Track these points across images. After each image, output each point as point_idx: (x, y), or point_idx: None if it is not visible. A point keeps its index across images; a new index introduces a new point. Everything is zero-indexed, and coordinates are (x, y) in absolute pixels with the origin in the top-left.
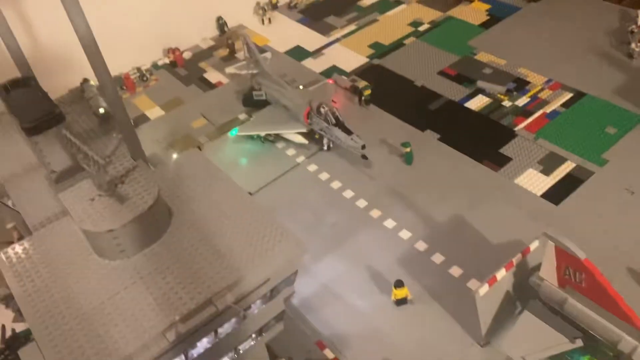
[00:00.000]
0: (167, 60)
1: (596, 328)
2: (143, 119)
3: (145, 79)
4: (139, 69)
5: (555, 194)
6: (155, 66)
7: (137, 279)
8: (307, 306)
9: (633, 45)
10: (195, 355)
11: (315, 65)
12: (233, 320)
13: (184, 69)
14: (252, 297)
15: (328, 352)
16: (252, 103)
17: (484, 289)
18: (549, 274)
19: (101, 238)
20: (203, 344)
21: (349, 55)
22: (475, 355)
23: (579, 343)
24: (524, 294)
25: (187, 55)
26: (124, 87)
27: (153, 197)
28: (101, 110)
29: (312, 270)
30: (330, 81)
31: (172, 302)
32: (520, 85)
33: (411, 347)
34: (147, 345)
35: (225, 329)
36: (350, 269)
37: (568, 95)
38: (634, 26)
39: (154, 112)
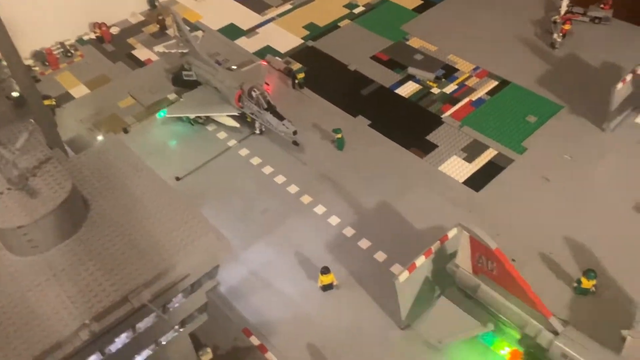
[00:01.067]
0: (93, 36)
1: (505, 313)
2: (66, 97)
3: (69, 54)
4: (62, 44)
5: (477, 181)
6: (80, 41)
7: (51, 276)
8: (235, 294)
9: (555, 35)
10: (113, 350)
11: (249, 44)
12: (152, 315)
13: (112, 44)
14: (172, 292)
15: (254, 339)
16: (182, 83)
17: (404, 275)
18: (464, 262)
19: (11, 234)
20: (121, 339)
21: (283, 36)
22: (396, 337)
23: (490, 327)
24: (442, 279)
25: (114, 30)
26: (47, 63)
27: (66, 191)
28: (14, 94)
29: (241, 257)
30: (264, 62)
31: (87, 300)
32: (449, 72)
33: (335, 332)
34: (60, 344)
35: (144, 324)
36: (279, 255)
37: (493, 83)
38: (557, 17)
39: (79, 90)
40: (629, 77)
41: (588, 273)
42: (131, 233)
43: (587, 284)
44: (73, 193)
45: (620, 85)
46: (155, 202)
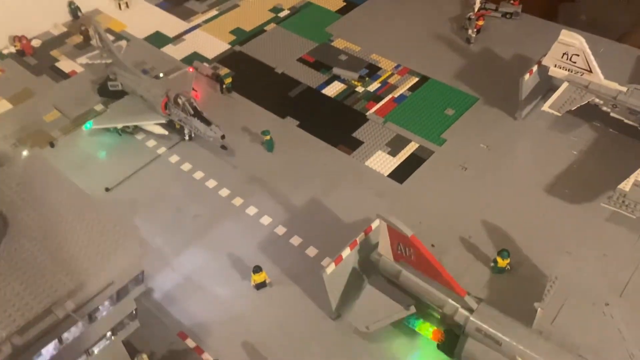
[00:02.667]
0: (13, 49)
1: (425, 295)
2: None
3: None
4: None
5: (400, 173)
6: None
7: None
8: (169, 299)
9: (470, 31)
10: None
11: (176, 51)
12: (79, 325)
13: (34, 57)
14: (97, 300)
15: (190, 342)
16: (109, 93)
17: (331, 267)
18: (385, 250)
19: None
20: (48, 351)
21: (210, 42)
22: (328, 328)
23: (413, 310)
24: (368, 269)
25: (36, 43)
26: None
27: None
28: None
29: (174, 263)
30: (191, 69)
31: (9, 314)
32: (373, 71)
33: (269, 328)
34: None
35: (71, 334)
36: (212, 258)
37: (414, 80)
38: (471, 13)
39: (1, 106)
40: (535, 68)
41: (502, 253)
42: (52, 246)
43: (502, 263)
44: None
45: (527, 76)
46: (75, 214)
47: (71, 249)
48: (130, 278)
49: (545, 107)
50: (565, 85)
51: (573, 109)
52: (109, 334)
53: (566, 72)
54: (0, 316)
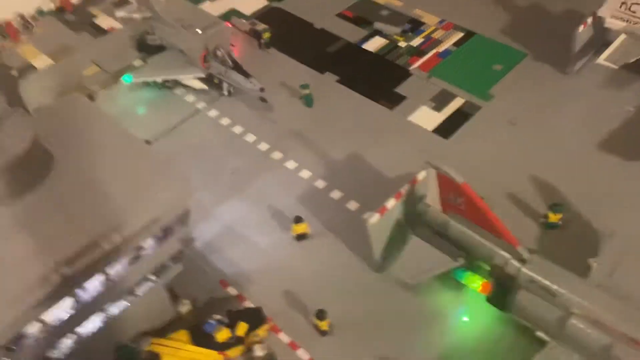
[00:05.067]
0: (53, 6)
1: (475, 246)
2: (29, 69)
3: (29, 26)
4: (22, 16)
5: (446, 129)
6: (40, 12)
7: (17, 225)
8: (210, 248)
9: None
10: (87, 297)
11: (213, 8)
12: (124, 261)
13: (73, 14)
14: (141, 237)
15: (231, 290)
16: (147, 48)
17: (375, 217)
18: (433, 200)
19: None
20: (94, 286)
21: None
22: (370, 280)
23: (461, 261)
24: (413, 223)
25: (75, 0)
26: (6, 35)
27: (28, 142)
28: None
29: (215, 214)
30: (228, 24)
31: (56, 246)
32: (415, 26)
33: (311, 278)
34: (31, 288)
35: (117, 270)
36: (252, 210)
37: (459, 35)
38: None
39: (42, 62)
40: (589, 20)
41: (554, 207)
42: (97, 182)
43: (554, 217)
44: (35, 144)
45: (581, 28)
46: (118, 151)
47: (117, 185)
48: (177, 215)
49: (601, 59)
50: (622, 37)
51: (630, 61)
52: (152, 276)
53: (624, 23)
54: (47, 248)
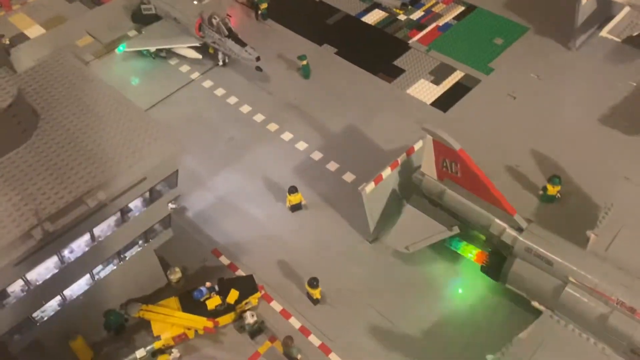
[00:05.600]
0: None
1: (471, 215)
2: (21, 38)
3: None
4: None
5: (444, 102)
6: None
7: (1, 181)
8: (203, 218)
9: None
10: (72, 258)
11: None
12: (111, 221)
13: None
14: (128, 196)
15: (224, 259)
16: (142, 18)
17: (370, 186)
18: (429, 169)
19: None
20: (80, 246)
21: None
22: (364, 250)
23: (456, 230)
24: (409, 193)
25: None
26: None
27: (11, 96)
28: None
29: (208, 184)
30: None
31: (40, 202)
32: None
33: (305, 248)
34: (14, 244)
35: (103, 230)
36: (247, 180)
37: (460, 9)
38: None
39: (34, 31)
40: None
41: (553, 179)
42: (83, 140)
43: (552, 190)
44: (19, 99)
45: (584, 1)
46: (106, 109)
47: (104, 143)
48: (164, 176)
49: (604, 32)
50: (626, 9)
51: (634, 35)
52: (141, 240)
53: None
54: (30, 204)
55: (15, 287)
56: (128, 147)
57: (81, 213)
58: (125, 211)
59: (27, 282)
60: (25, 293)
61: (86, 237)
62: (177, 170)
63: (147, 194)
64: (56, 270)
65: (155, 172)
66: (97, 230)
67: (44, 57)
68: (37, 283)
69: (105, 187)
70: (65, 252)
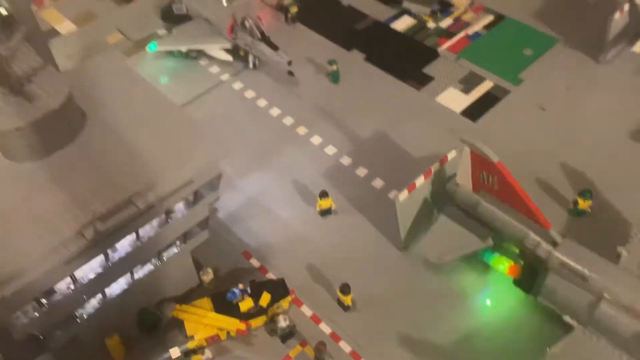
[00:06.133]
0: None
1: (506, 227)
2: (53, 33)
3: None
4: None
5: (474, 111)
6: None
7: (51, 180)
8: (234, 219)
9: None
10: (117, 258)
11: None
12: (155, 222)
13: None
14: (175, 198)
15: (254, 261)
16: (173, 17)
17: (404, 194)
18: (464, 179)
19: (9, 138)
20: (124, 246)
21: None
22: (395, 258)
23: (489, 242)
24: (441, 201)
25: None
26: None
27: (64, 96)
28: (1, 11)
29: (239, 186)
30: None
31: (90, 203)
32: (445, 7)
33: (335, 254)
34: (65, 243)
35: (147, 231)
36: (277, 183)
37: (490, 18)
38: None
39: (65, 27)
40: (626, 7)
41: (584, 193)
42: (130, 141)
43: (583, 204)
44: (70, 99)
45: (617, 15)
46: (152, 112)
47: (149, 145)
48: (209, 178)
49: (636, 47)
50: None
51: None
52: (179, 241)
53: None
54: (81, 203)
55: (62, 285)
56: (174, 149)
57: (131, 214)
58: (169, 212)
59: (74, 280)
60: (70, 290)
61: (130, 237)
62: (220, 174)
63: (191, 196)
64: (101, 269)
65: (201, 175)
66: (142, 231)
67: (94, 58)
68: (83, 281)
69: (154, 188)
70: (110, 252)
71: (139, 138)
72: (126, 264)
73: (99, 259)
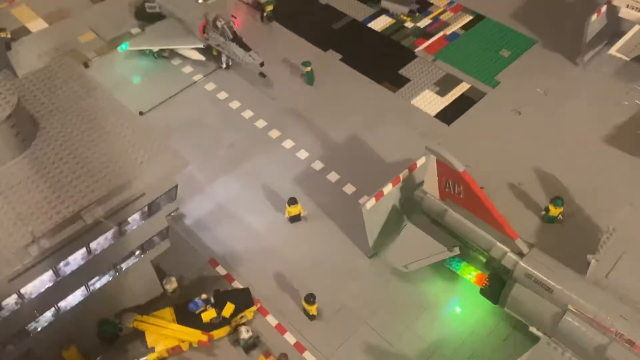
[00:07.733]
0: None
1: (472, 237)
2: (23, 31)
3: None
4: None
5: (448, 114)
6: None
7: None
8: (201, 226)
9: None
10: (68, 271)
11: None
12: (108, 235)
13: None
14: (127, 211)
15: (220, 269)
16: (146, 16)
17: (371, 202)
18: (431, 188)
19: None
20: (76, 260)
21: None
22: (363, 266)
23: (456, 251)
24: (410, 210)
25: None
26: None
27: (11, 105)
28: None
29: (207, 191)
30: None
31: (37, 217)
32: (424, 6)
33: (303, 261)
34: (8, 260)
35: (99, 244)
36: (246, 188)
37: (468, 18)
38: None
39: (36, 24)
40: (603, 9)
41: (555, 200)
42: (83, 151)
43: (554, 211)
44: (19, 109)
45: (594, 17)
46: (108, 121)
47: (102, 156)
48: (164, 191)
49: (613, 50)
50: (636, 28)
51: None
52: (138, 251)
53: (639, 14)
54: (27, 219)
55: (9, 301)
56: (129, 160)
57: (78, 229)
58: (123, 225)
59: (21, 296)
60: (19, 306)
61: (82, 250)
62: (176, 185)
63: (146, 208)
64: (51, 284)
65: (154, 187)
66: (93, 244)
67: (48, 64)
68: (32, 296)
69: (103, 202)
70: (61, 266)
71: (91, 148)
72: (80, 277)
73: (48, 273)
